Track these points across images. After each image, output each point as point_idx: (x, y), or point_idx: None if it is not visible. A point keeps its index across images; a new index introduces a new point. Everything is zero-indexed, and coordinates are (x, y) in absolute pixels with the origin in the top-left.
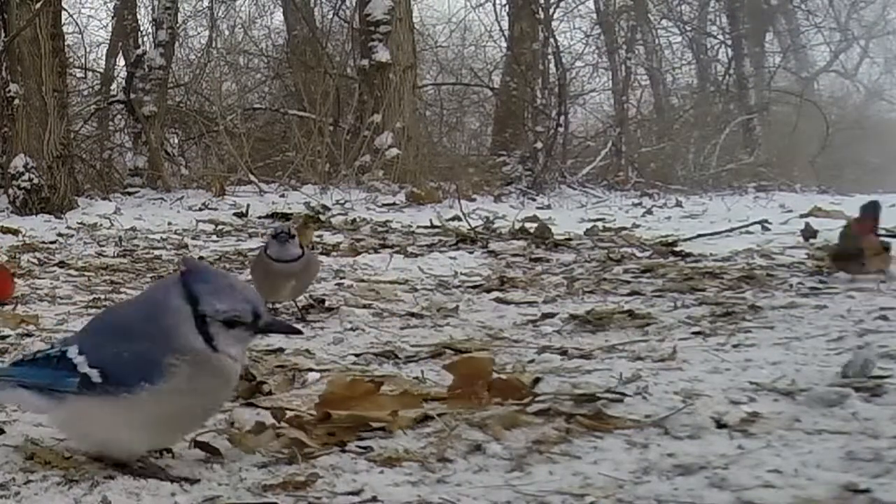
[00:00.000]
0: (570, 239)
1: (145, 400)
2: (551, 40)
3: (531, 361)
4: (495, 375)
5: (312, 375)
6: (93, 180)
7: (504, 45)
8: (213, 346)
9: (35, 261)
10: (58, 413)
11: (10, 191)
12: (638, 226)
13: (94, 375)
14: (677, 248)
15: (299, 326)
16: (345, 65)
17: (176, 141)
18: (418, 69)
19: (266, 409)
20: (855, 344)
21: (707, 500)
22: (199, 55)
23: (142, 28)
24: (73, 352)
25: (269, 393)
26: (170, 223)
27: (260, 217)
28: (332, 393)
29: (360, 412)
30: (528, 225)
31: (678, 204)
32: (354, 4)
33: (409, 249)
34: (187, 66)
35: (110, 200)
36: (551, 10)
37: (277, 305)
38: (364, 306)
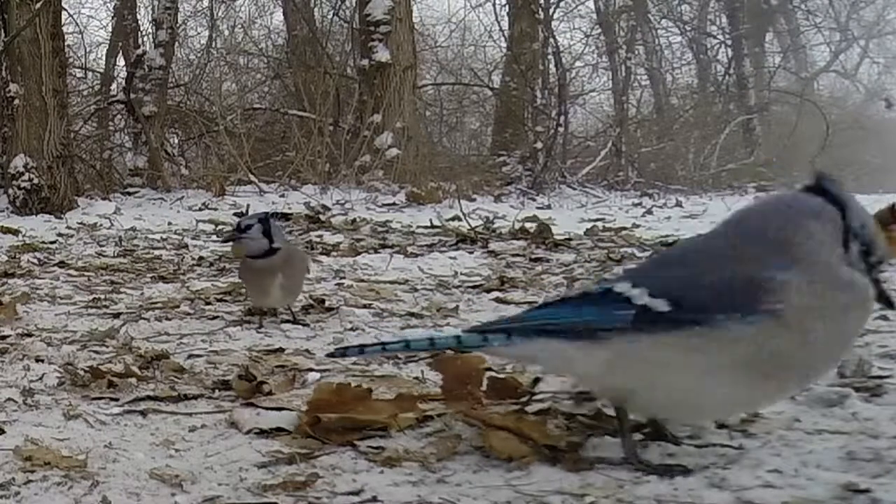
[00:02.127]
0: (570, 239)
1: (730, 335)
2: (551, 40)
3: None
4: (490, 374)
5: (312, 375)
6: (93, 180)
7: (504, 45)
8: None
9: (35, 261)
10: (596, 359)
11: (10, 191)
12: (638, 226)
13: (660, 305)
14: None
15: None
16: (345, 65)
17: (176, 141)
18: (418, 69)
19: (266, 408)
20: (854, 344)
21: (707, 500)
22: (199, 55)
23: (142, 28)
24: (623, 286)
25: (270, 393)
26: (170, 223)
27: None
28: (319, 399)
29: (352, 415)
30: (527, 225)
31: (678, 204)
32: (354, 4)
33: (409, 249)
34: (187, 66)
35: (110, 200)
36: (551, 10)
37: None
38: (364, 306)
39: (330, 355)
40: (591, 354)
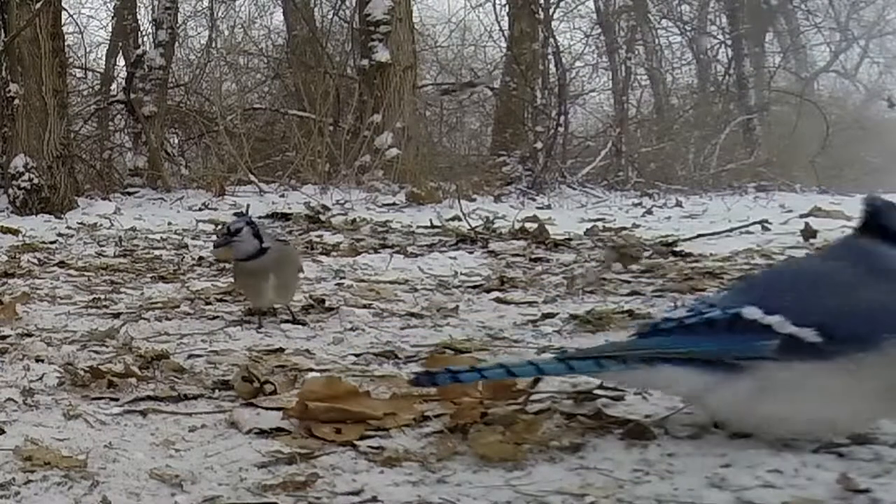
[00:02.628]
0: (570, 239)
1: (886, 360)
2: (551, 40)
3: None
4: None
5: (313, 376)
6: (93, 180)
7: (504, 45)
8: None
9: (35, 261)
10: (737, 387)
11: (10, 191)
12: (638, 226)
13: (809, 335)
14: (677, 248)
15: None
16: (345, 65)
17: (176, 141)
18: (418, 69)
19: (266, 408)
20: None
21: (707, 500)
22: (199, 55)
23: (142, 28)
24: (753, 312)
25: (272, 393)
26: (170, 223)
27: (260, 217)
28: (311, 391)
29: (342, 405)
30: (528, 225)
31: (678, 204)
32: (354, 4)
33: (409, 249)
34: (187, 66)
35: (110, 200)
36: (551, 10)
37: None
38: (364, 306)
39: (415, 383)
40: (732, 383)
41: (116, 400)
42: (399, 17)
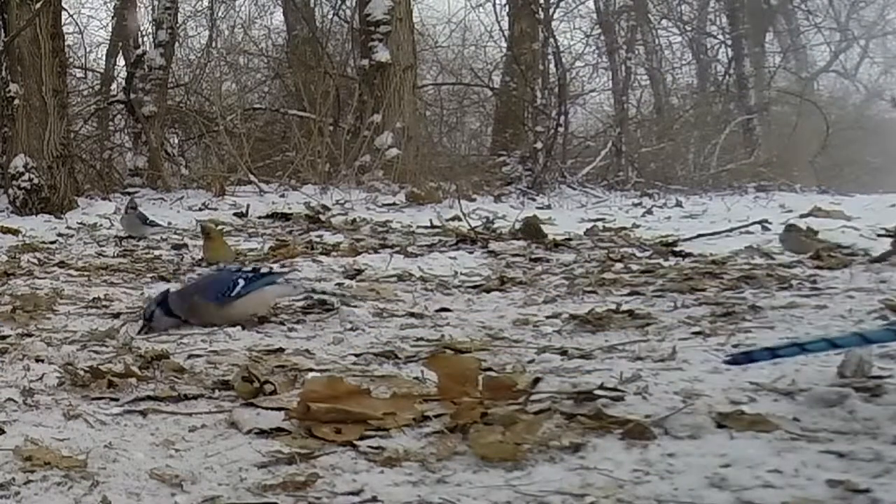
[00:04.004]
0: (570, 239)
1: None
2: (551, 40)
3: (531, 361)
4: (486, 374)
5: (313, 376)
6: (93, 180)
7: (504, 45)
8: None
9: (35, 261)
10: None
11: (10, 191)
12: (638, 226)
13: None
14: (677, 248)
15: None
16: (345, 65)
17: (176, 141)
18: (418, 69)
19: (266, 409)
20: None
21: (707, 500)
22: (199, 55)
23: (142, 28)
24: None
25: (272, 393)
26: (170, 223)
27: (260, 217)
28: (312, 391)
29: (344, 406)
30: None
31: (678, 204)
32: (354, 4)
33: (409, 249)
34: (187, 66)
35: (110, 200)
36: (551, 10)
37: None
38: (364, 306)
39: (732, 362)
40: None
41: (116, 400)
42: (399, 17)
